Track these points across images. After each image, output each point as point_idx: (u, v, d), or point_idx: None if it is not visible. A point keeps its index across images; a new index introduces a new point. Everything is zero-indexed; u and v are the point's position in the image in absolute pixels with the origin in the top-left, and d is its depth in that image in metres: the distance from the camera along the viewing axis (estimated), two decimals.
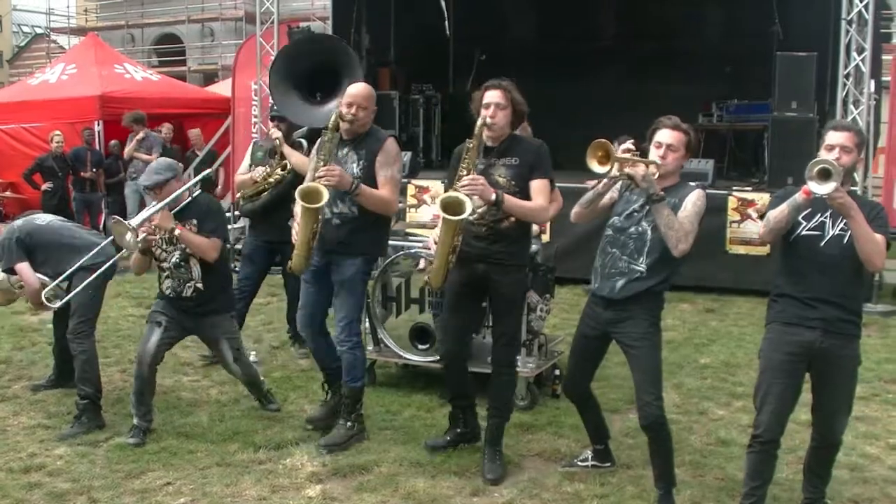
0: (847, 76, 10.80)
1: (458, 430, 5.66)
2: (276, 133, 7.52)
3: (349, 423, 5.72)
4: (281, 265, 7.77)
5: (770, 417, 4.43)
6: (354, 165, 5.51)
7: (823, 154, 4.28)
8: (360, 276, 5.60)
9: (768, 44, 13.18)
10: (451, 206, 5.01)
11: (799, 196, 4.22)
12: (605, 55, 15.45)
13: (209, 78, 25.97)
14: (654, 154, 4.75)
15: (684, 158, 4.80)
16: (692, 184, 4.89)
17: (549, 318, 7.22)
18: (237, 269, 8.01)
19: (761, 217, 4.60)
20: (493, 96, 5.17)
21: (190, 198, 5.94)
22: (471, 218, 5.12)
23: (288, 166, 7.41)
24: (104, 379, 6.95)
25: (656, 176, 4.65)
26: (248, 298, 7.81)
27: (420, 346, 6.71)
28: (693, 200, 4.68)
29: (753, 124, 13.63)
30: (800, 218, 4.35)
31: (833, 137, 4.33)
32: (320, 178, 5.31)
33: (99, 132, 14.10)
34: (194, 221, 5.81)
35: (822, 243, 4.34)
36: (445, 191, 5.21)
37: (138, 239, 5.65)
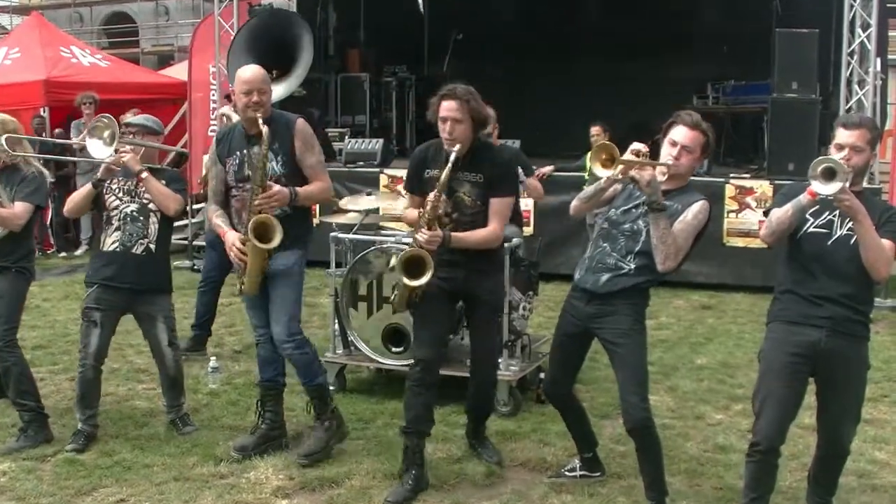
0: (851, 54, 10.86)
1: (415, 473, 5.23)
2: (227, 110, 7.51)
3: (326, 423, 5.67)
4: None
5: (770, 425, 4.42)
6: (275, 164, 5.42)
7: (833, 153, 4.28)
8: (297, 267, 5.57)
9: (767, 21, 13.25)
10: (411, 264, 5.06)
11: (804, 197, 4.23)
12: (591, 34, 15.44)
13: (164, 60, 25.76)
14: (666, 153, 4.72)
15: (698, 161, 4.80)
16: (697, 193, 4.79)
17: (533, 316, 7.24)
18: (196, 266, 8.04)
19: (765, 213, 4.56)
20: (448, 109, 5.09)
21: (159, 165, 6.19)
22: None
23: None
24: (52, 387, 6.94)
25: (665, 178, 4.64)
26: (216, 289, 7.93)
27: (394, 349, 6.69)
28: (695, 212, 4.63)
29: (752, 106, 13.68)
30: (807, 214, 4.35)
31: (842, 136, 4.31)
32: (260, 206, 5.26)
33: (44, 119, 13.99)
34: (162, 182, 5.89)
35: (830, 242, 4.34)
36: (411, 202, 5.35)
37: (110, 154, 5.71)
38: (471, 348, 5.60)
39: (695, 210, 4.63)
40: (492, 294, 5.41)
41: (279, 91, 7.86)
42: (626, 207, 4.78)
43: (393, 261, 6.41)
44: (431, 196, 5.08)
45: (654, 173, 4.57)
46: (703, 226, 4.68)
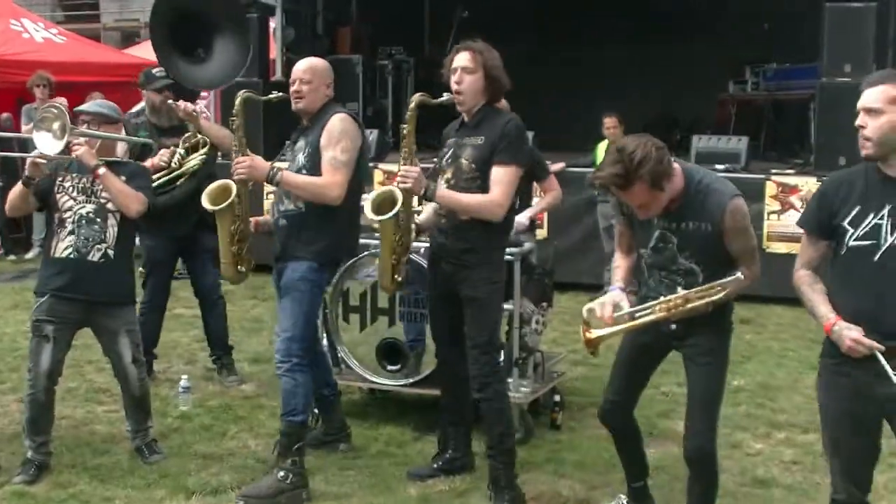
0: None
1: (448, 456, 5.80)
2: (191, 106, 7.31)
3: (282, 473, 5.55)
4: (188, 266, 7.80)
5: (842, 478, 4.24)
6: (301, 155, 5.65)
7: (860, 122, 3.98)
8: (303, 282, 5.60)
9: None
10: (383, 204, 5.31)
11: (823, 323, 4.06)
12: (613, 12, 15.43)
13: (128, 37, 25.82)
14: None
15: (662, 192, 4.49)
16: (709, 192, 4.56)
17: (548, 331, 7.24)
18: (177, 273, 7.98)
19: (800, 224, 4.39)
20: (460, 59, 5.31)
21: (120, 158, 6.18)
22: (437, 209, 5.45)
23: (205, 143, 7.29)
24: None
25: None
26: (160, 310, 7.74)
27: (390, 367, 6.70)
28: (739, 229, 4.53)
29: (797, 93, 13.67)
30: (845, 223, 4.04)
31: (861, 99, 3.98)
32: (234, 171, 5.58)
33: None
34: (123, 178, 5.85)
35: (877, 257, 3.95)
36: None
37: (62, 148, 5.67)
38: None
39: (731, 223, 4.48)
40: (472, 285, 5.36)
41: (205, 74, 7.85)
42: (653, 245, 4.68)
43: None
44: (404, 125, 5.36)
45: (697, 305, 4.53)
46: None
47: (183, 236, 7.52)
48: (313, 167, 5.54)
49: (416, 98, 5.32)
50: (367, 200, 5.46)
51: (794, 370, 8.11)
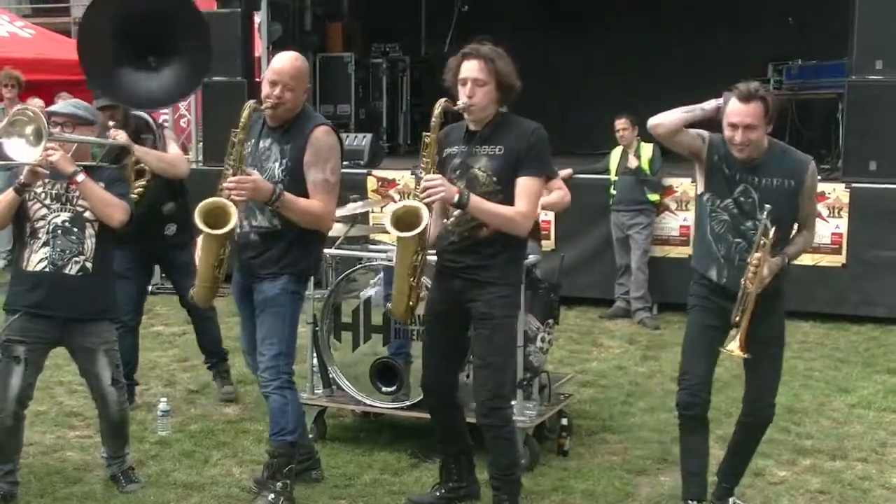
0: None
1: (451, 485, 5.80)
2: (123, 136, 6.94)
3: (272, 496, 5.61)
4: (171, 279, 7.74)
5: None
6: (276, 165, 5.56)
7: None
8: (285, 295, 5.64)
9: None
10: (405, 219, 5.21)
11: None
12: (623, 6, 15.44)
13: None
14: (728, 137, 5.13)
15: (767, 128, 5.18)
16: (789, 152, 5.37)
17: (554, 350, 7.25)
18: (157, 286, 7.90)
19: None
20: (470, 69, 5.25)
21: (97, 163, 6.12)
22: (447, 223, 5.38)
23: (146, 172, 7.15)
24: None
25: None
26: (134, 329, 7.70)
27: (385, 389, 6.73)
28: (812, 188, 5.38)
29: (824, 92, 13.65)
30: None
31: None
32: (227, 190, 5.37)
33: None
34: (101, 184, 5.77)
35: None
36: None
37: (38, 156, 5.59)
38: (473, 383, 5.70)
39: (809, 185, 5.33)
40: (486, 304, 5.34)
41: (157, 86, 7.72)
42: (734, 196, 5.23)
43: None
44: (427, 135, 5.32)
45: (764, 274, 5.06)
46: None
47: (153, 248, 7.51)
48: (292, 182, 5.50)
49: (441, 104, 5.25)
50: (386, 214, 5.38)
51: (820, 392, 8.11)
